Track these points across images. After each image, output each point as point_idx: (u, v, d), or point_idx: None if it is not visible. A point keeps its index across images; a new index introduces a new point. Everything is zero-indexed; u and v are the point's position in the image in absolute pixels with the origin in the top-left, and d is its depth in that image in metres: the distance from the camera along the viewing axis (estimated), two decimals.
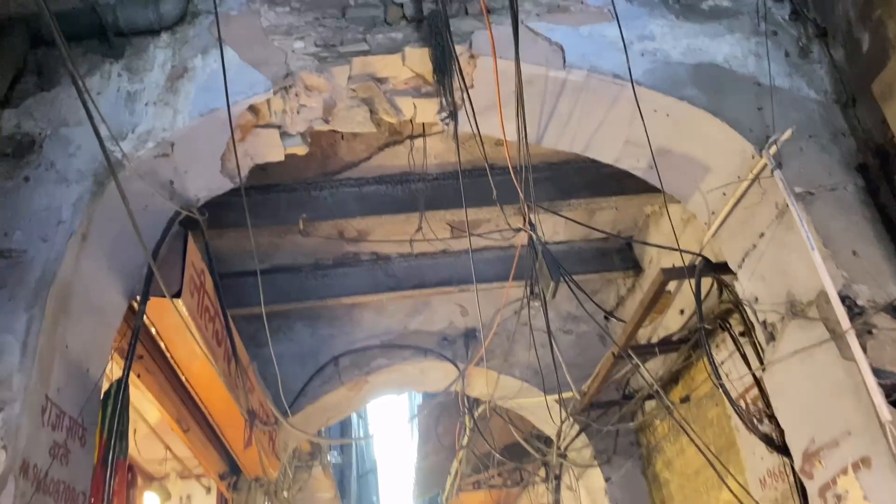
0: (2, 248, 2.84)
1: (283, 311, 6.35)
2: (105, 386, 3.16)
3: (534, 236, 4.06)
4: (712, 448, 4.92)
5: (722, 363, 4.57)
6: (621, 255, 6.16)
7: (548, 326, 5.10)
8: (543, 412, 6.62)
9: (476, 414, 7.23)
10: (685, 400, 5.26)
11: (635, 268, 6.05)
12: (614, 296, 6.59)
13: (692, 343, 4.80)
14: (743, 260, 3.59)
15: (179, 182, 3.48)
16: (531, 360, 6.23)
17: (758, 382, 3.94)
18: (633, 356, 4.57)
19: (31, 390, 2.60)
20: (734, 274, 3.87)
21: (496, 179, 5.23)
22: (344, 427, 12.06)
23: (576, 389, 5.52)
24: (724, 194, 3.56)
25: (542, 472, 10.49)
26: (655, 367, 5.58)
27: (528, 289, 5.40)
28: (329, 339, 6.76)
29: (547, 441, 7.40)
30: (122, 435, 2.95)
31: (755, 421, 4.18)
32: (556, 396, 5.79)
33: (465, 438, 7.46)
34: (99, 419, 3.06)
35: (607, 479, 6.15)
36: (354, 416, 15.04)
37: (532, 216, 4.42)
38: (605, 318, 6.82)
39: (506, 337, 6.49)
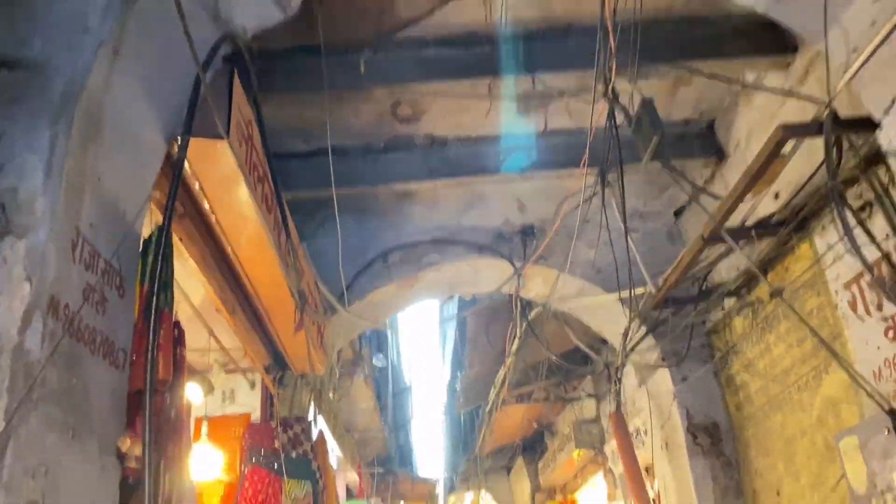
0: (19, 56, 2.37)
1: (327, 202, 5.89)
2: (145, 233, 2.74)
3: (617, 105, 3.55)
4: (808, 343, 4.43)
5: (830, 247, 4.04)
6: (702, 139, 5.57)
7: (623, 208, 4.59)
8: (605, 313, 6.18)
9: (530, 317, 6.80)
10: (775, 294, 4.75)
11: (718, 153, 5.47)
12: (687, 189, 6.02)
13: (794, 225, 4.26)
14: (893, 104, 3.01)
15: (225, 4, 2.97)
16: (594, 258, 5.75)
17: (887, 258, 3.41)
18: (729, 238, 4.04)
19: (59, 218, 2.17)
20: (866, 131, 3.30)
21: (573, 42, 4.66)
22: (380, 341, 11.79)
23: (651, 282, 5.02)
24: (874, 23, 2.96)
25: (590, 387, 10.18)
26: (737, 263, 5.06)
27: (602, 175, 4.91)
28: (377, 234, 6.32)
29: (605, 348, 6.97)
30: (166, 285, 2.53)
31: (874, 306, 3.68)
32: (624, 294, 5.32)
33: (516, 344, 7.05)
34: (139, 271, 2.64)
35: (677, 383, 5.71)
36: (388, 333, 14.83)
37: (614, 86, 3.88)
38: (675, 214, 6.28)
39: (567, 234, 6.01)
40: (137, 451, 2.23)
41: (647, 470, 6.31)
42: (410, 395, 16.39)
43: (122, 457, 2.31)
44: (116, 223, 2.52)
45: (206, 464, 4.76)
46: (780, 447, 4.80)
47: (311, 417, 5.90)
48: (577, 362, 8.93)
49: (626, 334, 5.65)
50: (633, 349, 5.71)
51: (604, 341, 6.75)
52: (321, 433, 6.03)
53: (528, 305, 6.85)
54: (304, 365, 5.60)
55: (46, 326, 2.04)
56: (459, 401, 10.04)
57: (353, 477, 10.84)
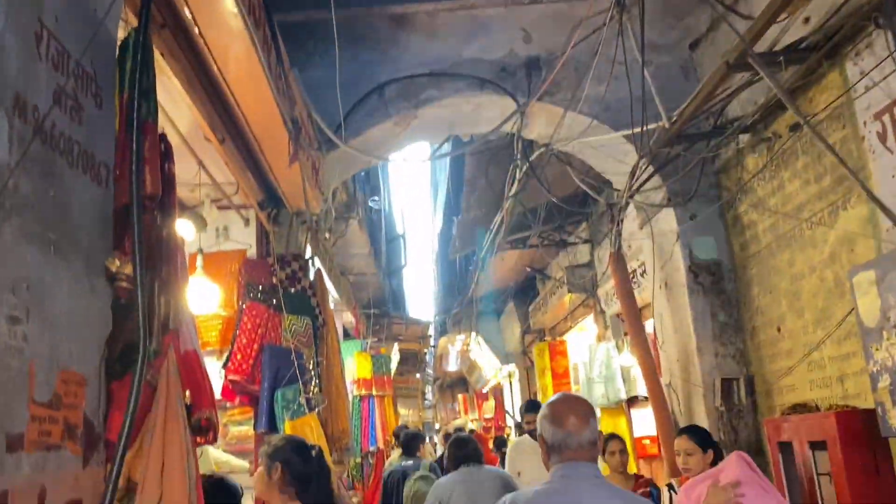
0: None
1: (318, 27, 5.48)
2: (120, 36, 2.42)
3: None
4: (826, 179, 4.25)
5: (865, 74, 3.75)
6: None
7: (642, 33, 4.24)
8: (611, 153, 5.95)
9: (531, 159, 6.56)
10: (795, 128, 4.51)
11: None
12: (705, 18, 5.61)
13: (826, 50, 3.95)
14: None
15: None
16: (605, 92, 5.43)
17: None
18: (758, 62, 3.73)
19: (16, 2, 1.86)
20: None
21: None
22: (374, 186, 11.59)
23: (665, 116, 4.75)
24: None
25: (584, 232, 10.14)
26: (754, 97, 4.77)
27: None
28: (372, 66, 5.93)
29: (607, 189, 6.80)
30: (147, 93, 2.26)
31: None
32: (635, 130, 5.07)
33: (515, 187, 6.85)
34: (116, 82, 2.35)
35: (682, 222, 5.59)
36: (380, 180, 14.62)
37: None
38: (691, 46, 5.90)
39: (574, 68, 5.65)
40: (128, 270, 2.06)
41: (641, 310, 6.34)
42: (403, 242, 16.43)
43: (112, 277, 2.14)
44: (85, 19, 2.21)
45: (201, 297, 4.67)
46: (785, 285, 4.76)
47: (308, 256, 5.79)
48: (575, 207, 8.81)
49: (633, 172, 5.45)
50: (639, 188, 5.53)
51: (606, 183, 6.56)
52: (319, 272, 5.95)
53: (529, 147, 6.60)
54: (299, 202, 5.41)
55: (13, 127, 1.79)
56: (455, 245, 10.00)
57: (349, 318, 11.01)
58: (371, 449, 9.45)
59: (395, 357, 16.56)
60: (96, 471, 2.01)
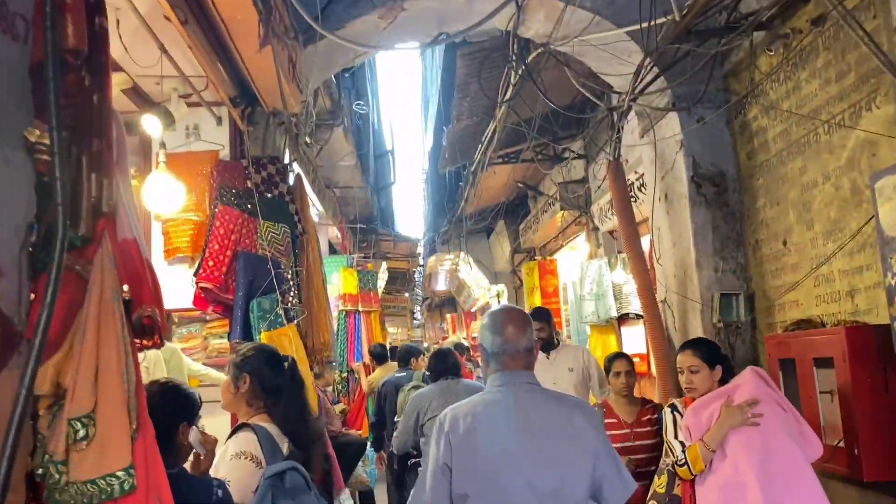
0: None
1: None
2: None
3: None
4: (850, 77, 3.89)
5: None
6: None
7: None
8: (613, 53, 5.53)
9: (528, 60, 6.12)
10: (817, 22, 4.12)
11: None
12: None
13: None
14: None
15: None
16: None
17: None
18: None
19: None
20: None
21: None
22: (360, 91, 11.08)
23: (676, 6, 4.33)
24: None
25: (579, 147, 9.75)
26: None
27: None
28: None
29: (608, 94, 6.40)
30: None
31: None
32: (641, 26, 4.65)
33: (510, 92, 6.43)
34: None
35: (687, 128, 5.24)
36: (368, 89, 14.06)
37: None
38: None
39: None
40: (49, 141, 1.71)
41: (639, 225, 6.05)
42: (392, 158, 15.97)
43: (31, 149, 1.80)
44: None
45: (164, 193, 4.33)
46: (795, 195, 4.46)
47: (287, 160, 5.43)
48: (571, 117, 8.40)
49: (637, 72, 5.06)
50: (643, 90, 5.15)
51: (606, 88, 6.16)
52: (299, 178, 5.60)
53: (525, 48, 6.14)
54: (274, 100, 5.01)
55: None
56: (444, 157, 9.61)
57: (334, 233, 10.71)
58: (356, 365, 9.32)
59: (384, 275, 16.38)
60: (15, 375, 1.72)
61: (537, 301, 12.67)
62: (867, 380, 3.52)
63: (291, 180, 5.36)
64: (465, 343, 16.91)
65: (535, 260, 12.98)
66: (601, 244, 9.20)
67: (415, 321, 31.28)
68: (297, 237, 5.18)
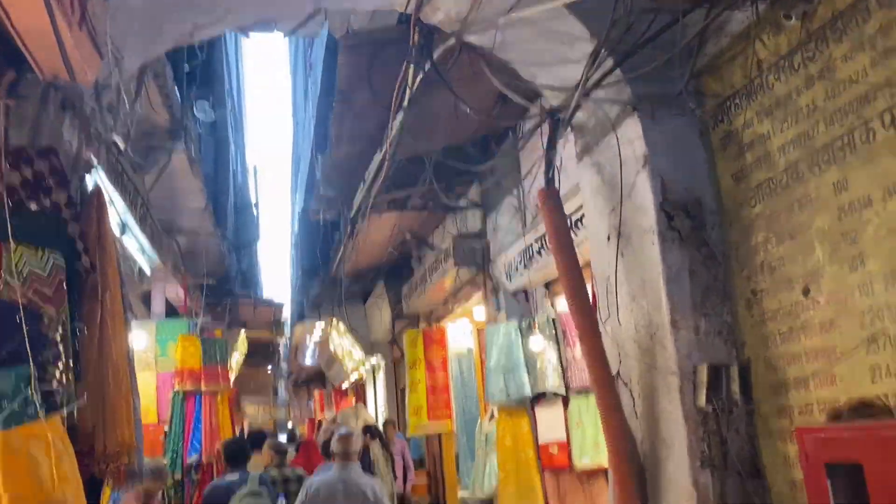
0: None
1: None
2: None
3: None
4: None
5: None
6: None
7: None
8: (546, 47, 4.16)
9: (435, 56, 4.64)
10: None
11: None
12: None
13: None
14: None
15: None
16: None
17: None
18: None
19: None
20: None
21: None
22: (215, 92, 9.24)
23: None
24: None
25: (476, 195, 8.38)
26: None
27: None
28: None
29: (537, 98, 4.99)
30: None
31: None
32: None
33: (407, 97, 4.88)
34: None
35: (652, 140, 3.88)
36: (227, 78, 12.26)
37: None
38: None
39: None
40: None
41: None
42: (256, 211, 14.04)
43: None
44: None
45: None
46: (825, 223, 3.12)
47: (73, 153, 3.57)
48: (472, 155, 7.01)
49: (594, 56, 3.66)
50: (598, 83, 3.76)
51: (537, 97, 4.76)
52: (99, 189, 3.73)
53: (430, 38, 4.67)
54: (53, 62, 3.20)
55: None
56: (318, 196, 7.88)
57: (177, 292, 8.63)
58: (192, 460, 7.18)
59: (243, 347, 14.16)
60: None
61: (421, 375, 10.99)
62: None
63: (76, 189, 3.51)
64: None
65: (419, 328, 11.35)
66: (502, 308, 7.73)
67: (278, 399, 28.55)
68: (80, 275, 3.31)
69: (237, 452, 5.85)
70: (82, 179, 3.81)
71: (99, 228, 3.61)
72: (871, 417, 2.75)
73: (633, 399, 3.99)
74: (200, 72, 9.20)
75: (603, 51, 3.80)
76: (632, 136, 3.96)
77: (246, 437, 7.56)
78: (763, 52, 3.48)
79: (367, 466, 9.49)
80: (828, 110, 3.09)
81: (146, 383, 7.30)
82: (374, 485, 5.16)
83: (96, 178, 4.09)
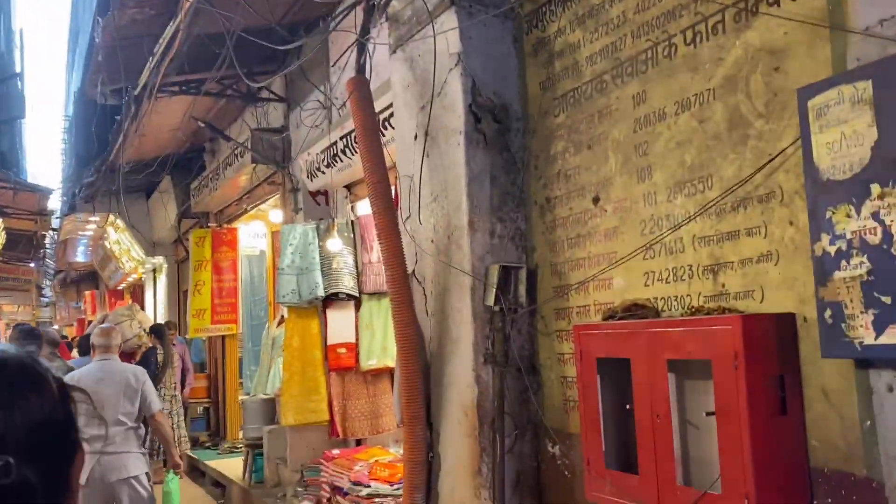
0: None
1: None
2: None
3: None
4: None
5: None
6: None
7: None
8: None
9: None
10: None
11: None
12: None
13: None
14: None
15: None
16: None
17: None
18: None
19: None
20: None
21: None
22: None
23: None
24: None
25: (280, 88, 7.91)
26: None
27: None
28: None
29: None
30: None
31: None
32: None
33: None
34: None
35: (466, 40, 3.78)
36: None
37: None
38: None
39: None
40: None
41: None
42: (21, 83, 12.23)
43: None
44: None
45: None
46: (621, 134, 3.24)
47: None
48: (280, 36, 6.53)
49: None
50: None
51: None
52: None
53: None
54: None
55: None
56: (96, 69, 6.95)
57: None
58: None
59: None
60: None
61: (207, 277, 10.52)
62: (763, 395, 2.37)
63: None
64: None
65: (208, 227, 10.75)
66: (301, 209, 7.47)
67: (43, 298, 26.07)
68: None
69: None
70: None
71: None
72: (641, 317, 2.95)
73: (426, 297, 4.01)
74: None
75: None
76: (447, 31, 3.84)
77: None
78: None
79: (153, 367, 8.97)
80: (636, 22, 3.17)
81: None
82: (136, 371, 5.26)
83: None
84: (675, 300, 2.93)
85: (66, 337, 15.28)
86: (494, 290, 3.61)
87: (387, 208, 3.92)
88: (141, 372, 5.26)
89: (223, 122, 8.88)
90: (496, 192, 3.80)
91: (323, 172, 6.35)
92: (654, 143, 3.07)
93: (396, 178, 4.36)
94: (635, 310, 3.01)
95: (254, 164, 7.99)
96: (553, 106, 3.69)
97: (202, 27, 5.80)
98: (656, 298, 3.02)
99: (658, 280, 3.03)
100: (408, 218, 4.18)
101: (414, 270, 4.09)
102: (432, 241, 3.96)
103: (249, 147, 7.85)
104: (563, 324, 3.57)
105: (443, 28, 3.86)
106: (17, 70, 12.21)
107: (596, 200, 3.39)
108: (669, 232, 2.96)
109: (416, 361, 3.82)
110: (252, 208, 9.52)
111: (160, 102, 7.51)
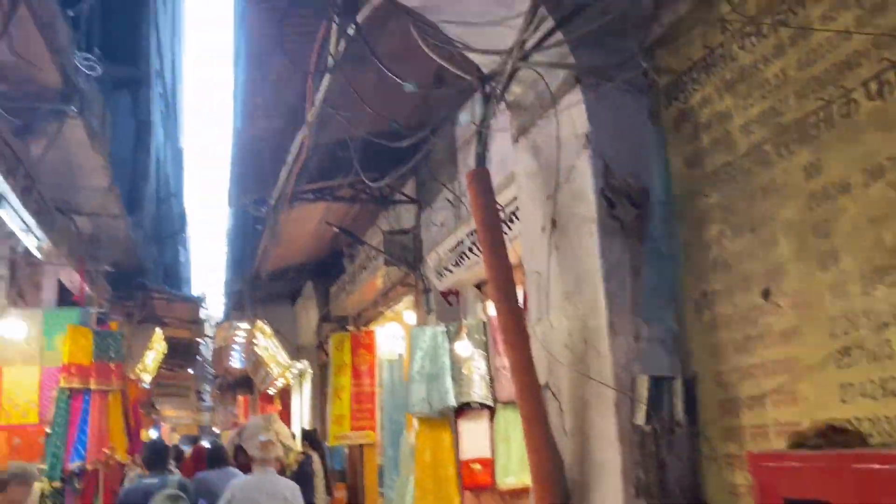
0: None
1: None
2: None
3: None
4: None
5: None
6: None
7: None
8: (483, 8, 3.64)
9: (361, 16, 4.07)
10: None
11: None
12: None
13: None
14: None
15: None
16: None
17: None
18: None
19: None
20: None
21: None
22: (140, 71, 8.50)
23: None
24: None
25: (411, 190, 7.83)
26: None
27: None
28: None
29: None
30: None
31: None
32: None
33: (335, 53, 4.28)
34: None
35: (595, 118, 3.37)
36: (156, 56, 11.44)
37: None
38: None
39: None
40: None
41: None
42: (181, 201, 13.14)
43: None
44: None
45: None
46: (792, 213, 2.65)
47: None
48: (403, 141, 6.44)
49: (532, 13, 3.14)
50: (539, 45, 3.25)
51: (472, 70, 4.21)
52: None
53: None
54: None
55: None
56: (235, 180, 7.16)
57: (73, 277, 7.79)
58: (74, 466, 6.38)
59: (159, 345, 13.25)
60: None
61: (346, 382, 10.34)
62: None
63: None
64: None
65: (347, 331, 10.71)
66: (433, 310, 7.18)
67: (203, 403, 27.35)
68: None
69: (157, 455, 5.89)
70: None
71: None
72: (842, 445, 2.27)
73: (563, 413, 3.46)
74: (121, 45, 8.43)
75: (543, 10, 3.28)
76: (573, 112, 3.45)
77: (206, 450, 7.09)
78: (728, 16, 3.01)
79: (310, 478, 8.81)
80: (800, 80, 2.63)
81: (28, 379, 6.49)
82: (292, 488, 5.66)
83: None
84: (887, 422, 2.24)
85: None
86: (644, 406, 3.02)
87: (513, 310, 3.47)
88: (295, 488, 5.68)
89: (358, 226, 8.92)
90: (639, 288, 3.26)
91: (451, 271, 6.03)
92: (838, 221, 2.45)
93: (523, 275, 3.92)
94: (832, 434, 2.33)
95: (386, 266, 7.87)
96: (703, 185, 3.16)
97: (329, 135, 5.81)
98: (859, 419, 2.33)
99: (860, 395, 2.34)
100: (537, 321, 3.70)
101: (547, 381, 3.57)
102: (566, 346, 3.44)
103: (382, 249, 7.75)
104: (734, 447, 2.90)
105: (568, 108, 3.48)
106: (182, 189, 13.14)
107: (766, 294, 2.77)
108: (871, 332, 2.29)
109: (553, 490, 3.24)
110: (388, 311, 9.38)
111: (296, 210, 7.62)
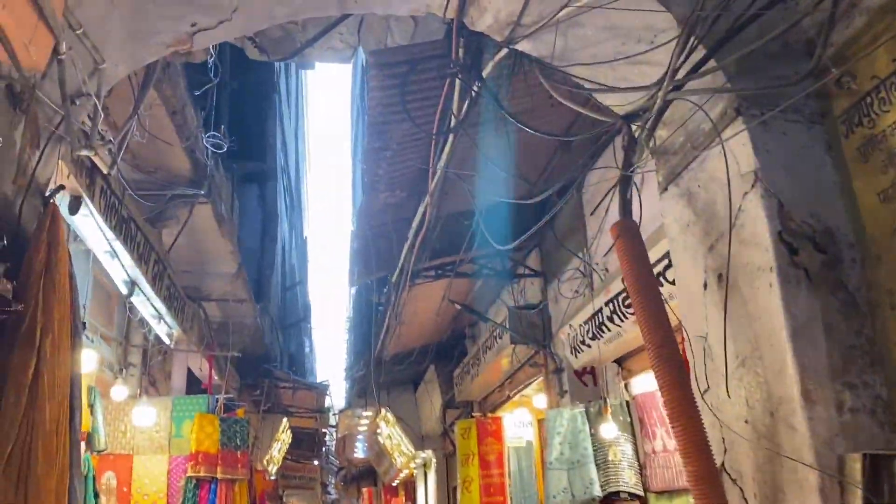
0: None
1: None
2: None
3: None
4: None
5: None
6: None
7: None
8: (624, 41, 3.35)
9: (486, 71, 3.87)
10: None
11: None
12: None
13: None
14: None
15: None
16: None
17: None
18: None
19: None
20: None
21: None
22: (266, 166, 8.71)
23: None
24: None
25: (535, 262, 7.48)
26: None
27: None
28: None
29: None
30: None
31: None
32: None
33: (452, 124, 4.08)
34: None
35: (762, 154, 2.94)
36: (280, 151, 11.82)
37: None
38: None
39: None
40: None
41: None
42: (302, 289, 13.34)
43: None
44: None
45: None
46: None
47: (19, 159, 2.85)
48: (529, 211, 6.15)
49: (685, 42, 2.81)
50: (690, 75, 2.89)
51: (608, 114, 3.89)
52: (54, 209, 3.00)
53: (477, 50, 3.91)
54: None
55: None
56: (355, 258, 7.07)
57: (201, 364, 7.85)
58: None
59: (285, 435, 13.23)
60: None
61: (474, 473, 9.82)
62: None
63: (21, 206, 2.78)
64: None
65: (472, 417, 10.24)
66: (566, 391, 6.66)
67: (328, 496, 27.19)
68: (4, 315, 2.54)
69: None
70: (46, 203, 3.10)
71: (49, 256, 2.85)
72: None
73: (747, 501, 2.88)
74: (249, 142, 8.76)
75: (693, 38, 2.94)
76: (735, 147, 3.03)
77: None
78: None
79: None
80: None
81: (157, 467, 6.44)
82: None
83: (63, 201, 3.37)
84: None
85: None
86: (861, 491, 2.43)
87: (678, 380, 2.98)
88: None
89: (481, 304, 8.61)
90: (836, 348, 2.72)
91: (588, 346, 5.54)
92: None
93: (683, 340, 3.43)
94: None
95: (513, 346, 7.45)
96: None
97: (451, 205, 5.61)
98: None
99: None
100: (706, 391, 3.18)
101: (724, 463, 3.02)
102: (747, 420, 2.90)
103: (507, 326, 7.38)
104: None
105: (727, 145, 3.06)
106: (304, 278, 13.38)
107: None
108: None
109: None
110: (515, 394, 8.87)
111: (418, 288, 7.42)
